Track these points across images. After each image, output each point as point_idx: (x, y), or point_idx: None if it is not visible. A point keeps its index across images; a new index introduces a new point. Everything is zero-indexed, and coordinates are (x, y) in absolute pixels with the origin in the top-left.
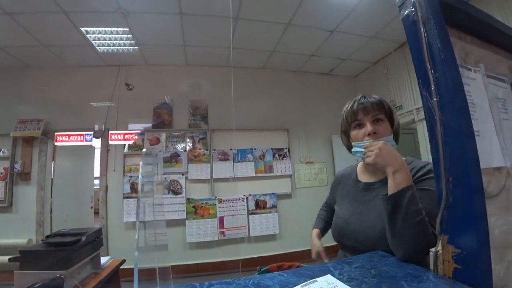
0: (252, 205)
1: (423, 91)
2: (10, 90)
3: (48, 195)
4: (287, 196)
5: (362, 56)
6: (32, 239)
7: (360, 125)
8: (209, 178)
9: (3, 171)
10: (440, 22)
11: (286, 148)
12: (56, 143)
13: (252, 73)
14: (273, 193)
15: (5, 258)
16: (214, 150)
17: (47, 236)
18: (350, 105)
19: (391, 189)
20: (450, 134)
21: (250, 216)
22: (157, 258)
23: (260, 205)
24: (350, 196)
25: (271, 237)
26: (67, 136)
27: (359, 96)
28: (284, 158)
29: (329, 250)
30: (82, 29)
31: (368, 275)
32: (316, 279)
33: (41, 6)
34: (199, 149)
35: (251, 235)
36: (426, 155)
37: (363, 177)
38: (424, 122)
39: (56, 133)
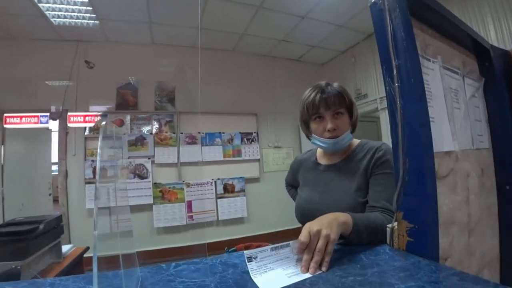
0: (220, 189)
1: (386, 77)
2: None
3: None
4: (255, 180)
5: (331, 44)
6: None
7: (321, 117)
8: (176, 162)
9: None
10: (405, 12)
11: (254, 133)
12: (5, 126)
13: (222, 56)
14: (241, 177)
15: None
16: (182, 133)
17: (0, 226)
18: (311, 95)
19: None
20: (408, 119)
21: (219, 200)
22: (121, 245)
23: (228, 189)
24: (311, 178)
25: (239, 220)
26: (18, 118)
27: (322, 84)
28: (253, 143)
29: (293, 232)
30: None
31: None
32: (289, 242)
33: None
34: (166, 132)
35: (219, 218)
36: (388, 142)
37: (323, 160)
38: (387, 111)
39: (5, 114)
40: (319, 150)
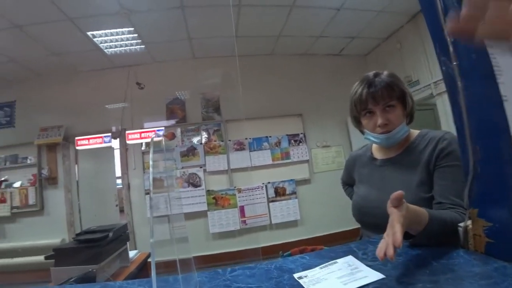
0: (271, 192)
1: (440, 56)
2: (29, 100)
3: (75, 196)
4: (305, 181)
5: (373, 33)
6: (65, 239)
7: (371, 112)
8: (226, 168)
9: (32, 177)
10: None
11: (301, 133)
12: (77, 147)
13: (261, 60)
14: (291, 179)
15: (41, 258)
16: (230, 140)
17: (77, 234)
18: (358, 90)
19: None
20: (474, 100)
21: (271, 204)
22: (178, 250)
23: (279, 192)
24: (367, 174)
25: (292, 223)
26: (86, 140)
27: (369, 77)
28: (300, 144)
29: (350, 234)
30: (89, 33)
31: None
32: (337, 260)
33: (47, 16)
34: (215, 141)
35: (272, 222)
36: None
37: (379, 154)
38: (444, 96)
39: (76, 138)
40: (374, 145)
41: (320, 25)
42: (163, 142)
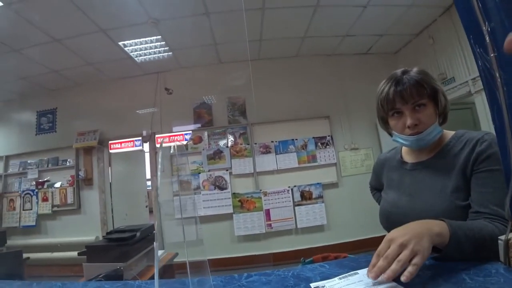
0: (297, 196)
1: (475, 47)
2: (68, 107)
3: (109, 197)
4: (333, 185)
5: (402, 29)
6: (98, 236)
7: (399, 113)
8: (252, 172)
9: (70, 178)
10: None
11: (328, 136)
12: (110, 151)
13: (286, 62)
14: (318, 183)
15: (75, 253)
16: (255, 143)
17: (108, 233)
18: (385, 89)
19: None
20: None
21: (296, 208)
22: (192, 253)
23: (305, 196)
24: (396, 179)
25: (318, 228)
26: (119, 144)
27: (397, 74)
28: (328, 146)
29: (380, 241)
30: (120, 43)
31: (422, 267)
32: (358, 271)
33: (82, 28)
34: (241, 144)
35: (298, 226)
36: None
37: (409, 158)
38: (484, 93)
39: (110, 142)
40: (404, 147)
41: (346, 24)
42: (175, 147)
